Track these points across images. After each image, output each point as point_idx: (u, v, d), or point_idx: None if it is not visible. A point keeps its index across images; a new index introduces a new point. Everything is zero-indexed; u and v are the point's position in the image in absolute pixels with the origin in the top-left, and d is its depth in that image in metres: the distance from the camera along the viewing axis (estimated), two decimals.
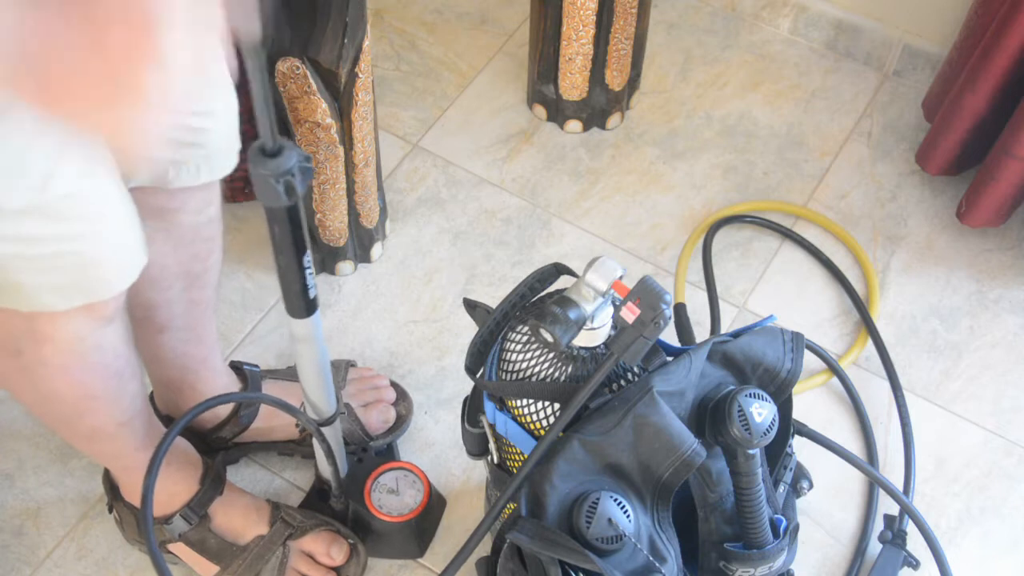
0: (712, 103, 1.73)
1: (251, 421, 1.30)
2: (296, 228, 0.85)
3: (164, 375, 1.23)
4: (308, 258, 0.90)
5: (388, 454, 1.34)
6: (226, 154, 1.01)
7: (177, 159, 0.99)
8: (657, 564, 0.91)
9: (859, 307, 1.50)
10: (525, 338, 0.97)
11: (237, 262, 1.52)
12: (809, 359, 1.43)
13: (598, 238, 1.57)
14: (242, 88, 1.37)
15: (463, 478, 1.35)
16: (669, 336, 1.44)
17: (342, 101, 1.28)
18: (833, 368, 1.43)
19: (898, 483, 1.35)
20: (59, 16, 0.60)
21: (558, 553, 0.88)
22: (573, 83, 1.61)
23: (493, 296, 1.50)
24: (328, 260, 1.50)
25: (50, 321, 0.90)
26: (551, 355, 0.95)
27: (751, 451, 0.96)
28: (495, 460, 1.07)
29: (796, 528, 1.07)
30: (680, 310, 1.48)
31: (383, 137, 1.64)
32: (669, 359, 0.98)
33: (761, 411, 0.94)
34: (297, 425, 1.27)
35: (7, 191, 0.77)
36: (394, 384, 1.38)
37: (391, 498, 1.24)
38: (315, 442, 1.14)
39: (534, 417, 0.97)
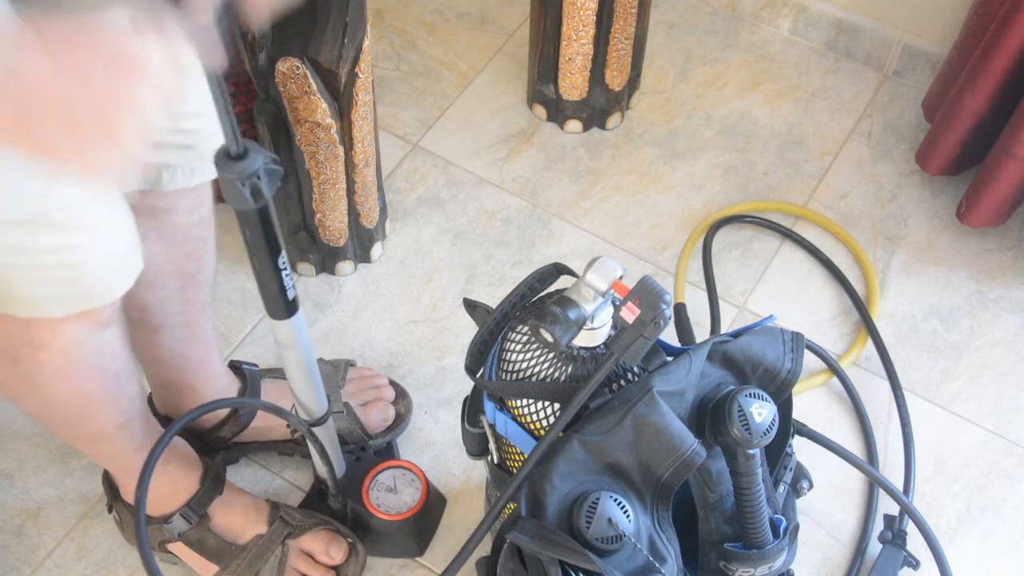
0: (712, 103, 1.73)
1: (250, 420, 1.30)
2: (268, 230, 0.85)
3: (162, 376, 1.23)
4: (284, 259, 0.89)
5: (387, 453, 1.34)
6: None
7: (171, 162, 0.99)
8: (657, 564, 0.91)
9: (859, 307, 1.50)
10: (525, 338, 0.97)
11: (237, 262, 1.52)
12: (809, 359, 1.43)
13: (598, 238, 1.57)
14: (239, 88, 1.37)
15: (463, 478, 1.35)
16: (669, 336, 1.44)
17: (342, 101, 1.28)
18: (833, 368, 1.43)
19: (898, 483, 1.35)
20: (49, 61, 0.61)
21: (558, 553, 0.88)
22: (573, 83, 1.61)
23: (493, 296, 1.50)
24: (328, 260, 1.50)
25: (48, 328, 0.90)
26: (551, 355, 0.95)
27: (751, 451, 0.96)
28: (495, 460, 1.07)
29: (796, 528, 1.06)
30: (680, 310, 1.48)
31: (383, 137, 1.64)
32: (669, 359, 0.98)
33: (761, 411, 0.94)
34: (288, 426, 1.27)
35: (8, 203, 0.77)
36: (393, 383, 1.38)
37: (389, 497, 1.24)
38: (308, 442, 1.14)
39: (534, 417, 0.97)
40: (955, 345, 1.48)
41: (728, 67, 1.78)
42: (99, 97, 0.63)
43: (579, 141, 1.68)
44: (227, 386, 1.27)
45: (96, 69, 0.63)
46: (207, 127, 0.97)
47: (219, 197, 1.03)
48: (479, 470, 1.36)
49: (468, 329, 1.45)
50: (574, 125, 1.68)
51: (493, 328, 0.99)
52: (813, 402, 1.43)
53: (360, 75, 1.26)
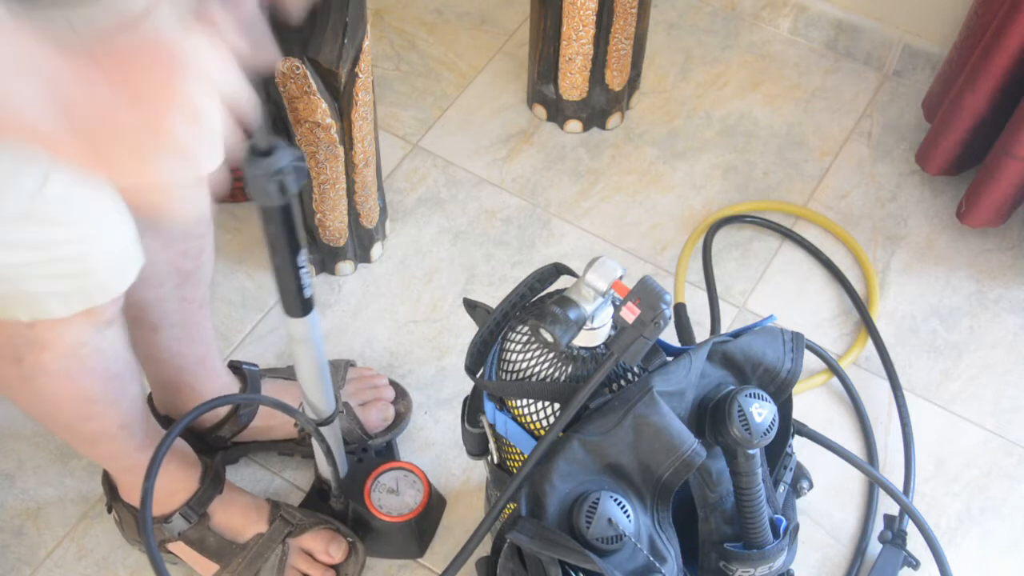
0: (712, 103, 1.73)
1: (250, 420, 1.30)
2: (290, 227, 0.85)
3: (161, 375, 1.23)
4: (303, 257, 0.90)
5: (388, 453, 1.34)
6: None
7: None
8: (657, 564, 0.91)
9: (859, 307, 1.50)
10: (525, 338, 0.97)
11: (237, 262, 1.52)
12: (809, 359, 1.43)
13: (598, 238, 1.57)
14: None
15: (463, 478, 1.35)
16: (669, 336, 1.44)
17: (342, 101, 1.28)
18: (833, 368, 1.43)
19: (898, 483, 1.35)
20: (95, 71, 0.60)
21: (558, 553, 0.88)
22: (573, 83, 1.61)
23: (493, 296, 1.50)
24: (328, 260, 1.50)
25: (50, 328, 0.90)
26: (551, 355, 0.95)
27: (751, 451, 0.96)
28: (495, 460, 1.07)
29: (796, 528, 1.06)
30: (680, 310, 1.48)
31: (383, 137, 1.64)
32: (669, 359, 0.98)
33: (761, 411, 0.94)
34: (296, 425, 1.27)
35: (3, 198, 0.77)
36: (393, 383, 1.38)
37: (391, 498, 1.24)
38: (314, 442, 1.14)
39: (534, 417, 0.97)
40: (955, 345, 1.48)
41: (728, 67, 1.78)
42: (150, 101, 0.62)
43: (579, 141, 1.68)
44: (227, 386, 1.27)
45: (145, 71, 0.61)
46: None
47: (220, 197, 1.03)
48: (479, 470, 1.36)
49: (468, 329, 1.45)
50: (574, 125, 1.68)
51: (493, 328, 0.99)
52: (813, 402, 1.43)
53: (360, 75, 1.26)
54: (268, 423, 1.30)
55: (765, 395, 0.95)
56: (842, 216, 1.60)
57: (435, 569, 1.28)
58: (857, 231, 1.58)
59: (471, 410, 1.08)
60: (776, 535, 1.01)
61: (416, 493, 1.24)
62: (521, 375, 0.96)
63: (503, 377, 0.98)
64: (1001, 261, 1.56)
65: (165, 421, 1.25)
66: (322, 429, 1.13)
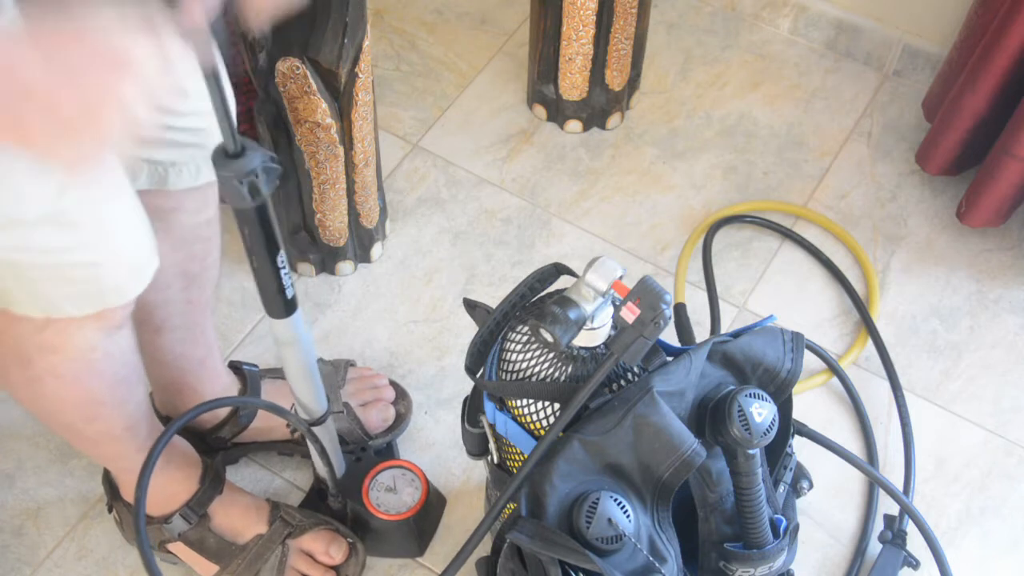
0: (712, 103, 1.73)
1: (250, 421, 1.30)
2: (267, 228, 0.85)
3: (163, 376, 1.23)
4: (282, 257, 0.89)
5: (387, 453, 1.34)
6: None
7: (176, 160, 0.99)
8: (657, 564, 0.91)
9: (859, 307, 1.50)
10: (525, 338, 0.97)
11: (237, 262, 1.52)
12: (809, 359, 1.43)
13: (598, 238, 1.57)
14: (239, 88, 1.38)
15: (463, 478, 1.35)
16: (669, 336, 1.44)
17: (342, 101, 1.28)
18: (833, 368, 1.43)
19: (898, 483, 1.35)
20: (41, 58, 0.63)
21: (558, 553, 0.88)
22: (573, 83, 1.61)
23: (493, 296, 1.50)
24: (328, 260, 1.50)
25: (61, 330, 0.90)
26: (551, 355, 0.95)
27: (751, 451, 0.96)
28: (495, 460, 1.07)
29: (796, 528, 1.06)
30: (680, 310, 1.48)
31: (383, 137, 1.64)
32: (669, 359, 0.98)
33: (761, 411, 0.94)
34: (288, 426, 1.27)
35: (25, 201, 0.78)
36: (393, 383, 1.38)
37: (389, 496, 1.24)
38: (308, 442, 1.14)
39: (534, 417, 0.97)
40: (955, 345, 1.48)
41: (728, 67, 1.78)
42: (85, 92, 0.64)
43: (579, 141, 1.68)
44: (227, 386, 1.27)
45: (83, 65, 0.64)
46: (212, 126, 0.97)
47: (223, 197, 1.03)
48: (479, 470, 1.36)
49: (468, 329, 1.45)
50: (574, 125, 1.68)
51: (493, 328, 0.99)
52: (813, 402, 1.43)
53: (360, 75, 1.26)
54: (268, 424, 1.30)
55: (765, 395, 0.95)
56: (842, 216, 1.60)
57: (435, 569, 1.28)
58: (857, 231, 1.58)
59: (471, 410, 1.08)
60: (776, 535, 1.01)
61: (414, 491, 1.24)
62: (521, 375, 0.96)
63: (503, 377, 0.98)
64: (1001, 261, 1.56)
65: (165, 421, 1.25)
66: (315, 429, 1.12)
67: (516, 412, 0.99)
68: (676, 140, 1.69)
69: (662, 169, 1.65)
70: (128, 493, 1.21)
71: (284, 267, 0.90)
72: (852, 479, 1.36)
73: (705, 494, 0.99)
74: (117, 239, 0.86)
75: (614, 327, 0.93)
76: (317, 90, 1.24)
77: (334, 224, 1.43)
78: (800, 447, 1.24)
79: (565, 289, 0.92)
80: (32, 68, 0.63)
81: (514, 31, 1.82)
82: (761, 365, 1.01)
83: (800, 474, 1.15)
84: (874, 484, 1.35)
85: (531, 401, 0.97)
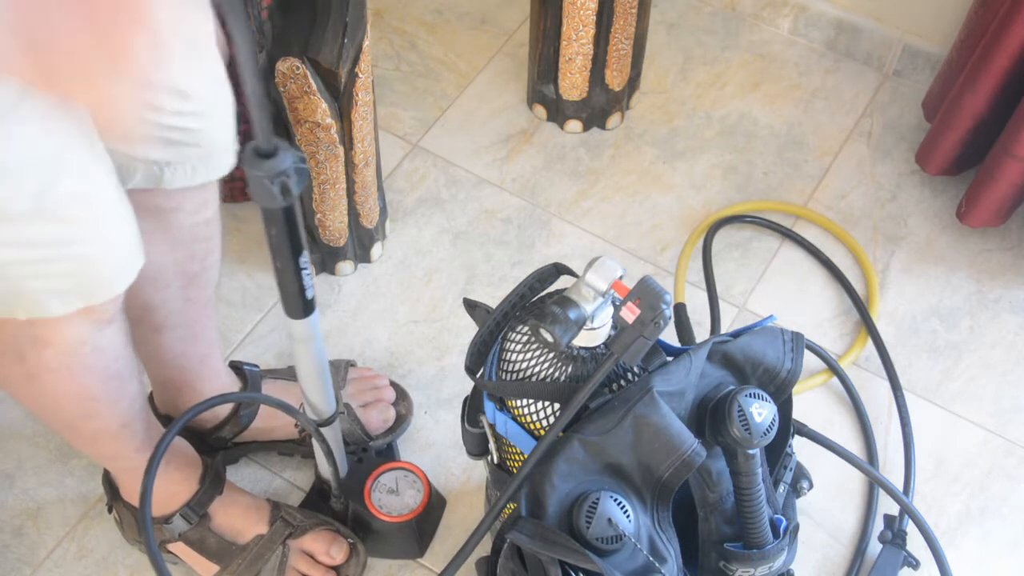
0: (712, 103, 1.73)
1: (251, 421, 1.30)
2: (292, 229, 0.85)
3: (163, 375, 1.23)
4: (305, 259, 0.89)
5: (388, 454, 1.34)
6: (222, 154, 1.01)
7: (171, 159, 0.98)
8: (657, 564, 0.91)
9: (859, 307, 1.50)
10: (525, 338, 0.97)
11: (237, 262, 1.52)
12: (809, 359, 1.43)
13: (598, 238, 1.57)
14: (238, 88, 1.37)
15: (463, 478, 1.35)
16: (669, 336, 1.44)
17: (342, 101, 1.28)
18: (833, 368, 1.43)
19: (898, 483, 1.35)
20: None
21: (558, 553, 0.88)
22: (573, 83, 1.61)
23: (493, 296, 1.50)
24: (328, 260, 1.50)
25: (50, 325, 0.90)
26: (551, 355, 0.95)
27: (751, 451, 0.96)
28: (495, 460, 1.07)
29: (796, 528, 1.07)
30: (680, 310, 1.48)
31: (383, 137, 1.64)
32: (669, 359, 0.98)
33: (761, 411, 0.94)
34: (296, 425, 1.27)
35: (12, 195, 0.77)
36: (394, 384, 1.38)
37: (391, 498, 1.24)
38: (314, 442, 1.14)
39: (534, 417, 0.97)
40: (955, 345, 1.48)
41: (728, 67, 1.78)
42: (104, 18, 0.62)
43: (579, 141, 1.68)
44: (228, 386, 1.27)
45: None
46: (209, 127, 0.97)
47: (224, 197, 1.04)
48: (479, 470, 1.36)
49: (468, 329, 1.45)
50: (574, 125, 1.68)
51: (493, 328, 0.99)
52: (813, 402, 1.43)
53: (360, 75, 1.26)
54: (269, 424, 1.30)
55: (765, 395, 0.95)
56: (842, 216, 1.60)
57: (435, 569, 1.28)
58: (857, 231, 1.58)
59: (471, 410, 1.08)
60: (776, 535, 1.01)
61: (416, 493, 1.24)
62: (521, 375, 0.96)
63: (503, 377, 0.98)
64: (1001, 261, 1.56)
65: (166, 420, 1.25)
66: (322, 430, 1.13)
67: (516, 412, 0.99)
68: (676, 140, 1.69)
69: (662, 169, 1.65)
70: (128, 493, 1.21)
71: (307, 268, 0.90)
72: (852, 479, 1.36)
73: (705, 494, 0.99)
74: (104, 235, 0.86)
75: (614, 327, 0.93)
76: (317, 90, 1.24)
77: (334, 224, 1.43)
78: (800, 447, 1.24)
79: (565, 289, 0.92)
80: (51, 11, 0.61)
81: (514, 31, 1.82)
82: (761, 365, 1.01)
83: (800, 474, 1.15)
84: (874, 484, 1.35)
85: (531, 401, 0.97)
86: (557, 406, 0.95)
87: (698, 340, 1.43)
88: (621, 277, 0.89)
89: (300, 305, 0.95)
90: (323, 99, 1.25)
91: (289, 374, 1.33)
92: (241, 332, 1.47)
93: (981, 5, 1.47)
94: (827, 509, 1.34)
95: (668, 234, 1.58)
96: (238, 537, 1.21)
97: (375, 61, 1.76)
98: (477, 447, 1.10)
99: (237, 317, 1.48)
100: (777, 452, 1.06)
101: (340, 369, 1.34)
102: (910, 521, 1.27)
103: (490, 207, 1.60)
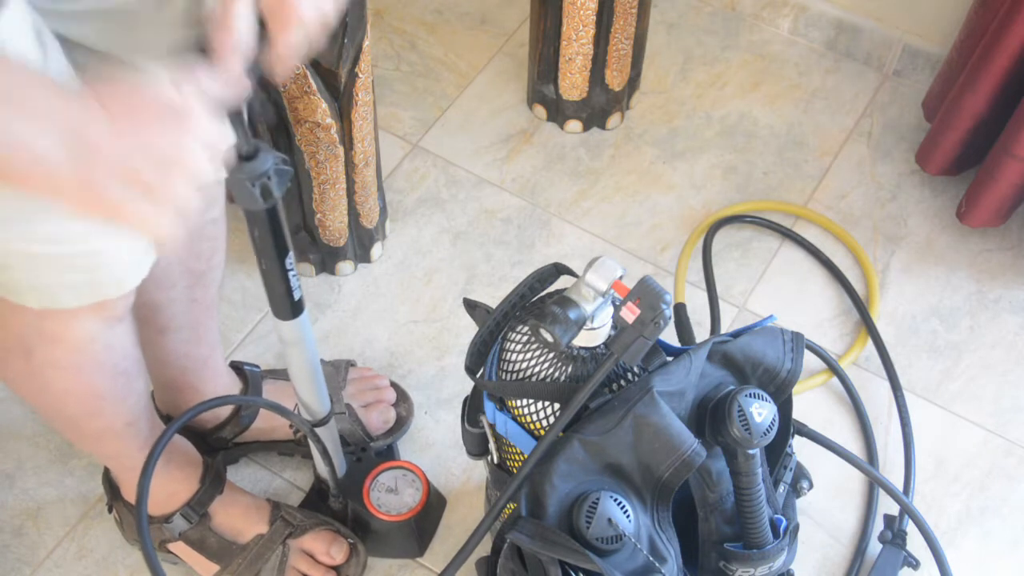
0: (712, 103, 1.73)
1: (251, 421, 1.30)
2: (277, 230, 0.85)
3: (165, 375, 1.23)
4: (291, 260, 0.89)
5: (388, 454, 1.34)
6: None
7: None
8: (657, 564, 0.91)
9: (859, 307, 1.50)
10: (525, 338, 0.97)
11: (238, 261, 1.52)
12: (809, 359, 1.43)
13: (598, 238, 1.57)
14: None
15: (463, 478, 1.35)
16: (669, 336, 1.44)
17: (342, 101, 1.28)
18: (833, 368, 1.43)
19: (898, 483, 1.35)
20: (109, 120, 0.62)
21: (558, 553, 0.88)
22: (573, 83, 1.61)
23: (493, 296, 1.50)
24: (328, 260, 1.50)
25: (61, 321, 0.90)
26: (551, 355, 0.95)
27: (751, 451, 0.96)
28: (495, 460, 1.07)
29: (796, 528, 1.07)
30: (680, 310, 1.48)
31: (383, 137, 1.64)
32: (669, 359, 0.98)
33: (761, 411, 0.94)
34: (291, 426, 1.28)
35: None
36: (394, 385, 1.38)
37: (390, 497, 1.24)
38: (310, 442, 1.14)
39: (534, 417, 0.97)
40: (955, 345, 1.48)
41: (728, 67, 1.78)
42: (155, 149, 0.64)
43: (579, 141, 1.68)
44: (229, 386, 1.27)
45: (150, 123, 0.64)
46: None
47: (230, 197, 1.03)
48: (479, 470, 1.36)
49: (468, 329, 1.45)
50: (574, 125, 1.68)
51: (493, 328, 0.99)
52: (813, 402, 1.43)
53: (360, 75, 1.26)
54: (270, 424, 1.30)
55: (765, 395, 0.95)
56: (842, 216, 1.60)
57: (435, 569, 1.28)
58: (857, 231, 1.58)
59: (471, 410, 1.08)
60: (776, 535, 1.01)
61: (415, 492, 1.24)
62: (521, 375, 0.96)
63: (503, 377, 0.98)
64: (1001, 261, 1.56)
65: (166, 421, 1.26)
66: (318, 430, 1.13)
67: (516, 412, 0.99)
68: (676, 140, 1.69)
69: (662, 169, 1.65)
70: (129, 493, 1.21)
71: (292, 269, 0.90)
72: (852, 479, 1.36)
73: (705, 494, 0.99)
74: (117, 231, 0.86)
75: (614, 327, 0.93)
76: (317, 90, 1.24)
77: (334, 224, 1.43)
78: (800, 447, 1.24)
79: (565, 289, 0.92)
80: (98, 126, 0.62)
81: (514, 31, 1.82)
82: (761, 365, 1.01)
83: (800, 474, 1.15)
84: (874, 484, 1.35)
85: (531, 401, 0.97)
86: (557, 406, 0.95)
87: (698, 340, 1.43)
88: (621, 277, 0.89)
89: (288, 306, 0.95)
90: (323, 99, 1.25)
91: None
92: (241, 332, 1.47)
93: (981, 5, 1.47)
94: (827, 509, 1.34)
95: (668, 234, 1.58)
96: (238, 537, 1.21)
97: (375, 61, 1.76)
98: (477, 447, 1.10)
99: (237, 317, 1.48)
100: (777, 452, 1.06)
101: (340, 369, 1.34)
102: (910, 521, 1.27)
103: (490, 207, 1.60)
